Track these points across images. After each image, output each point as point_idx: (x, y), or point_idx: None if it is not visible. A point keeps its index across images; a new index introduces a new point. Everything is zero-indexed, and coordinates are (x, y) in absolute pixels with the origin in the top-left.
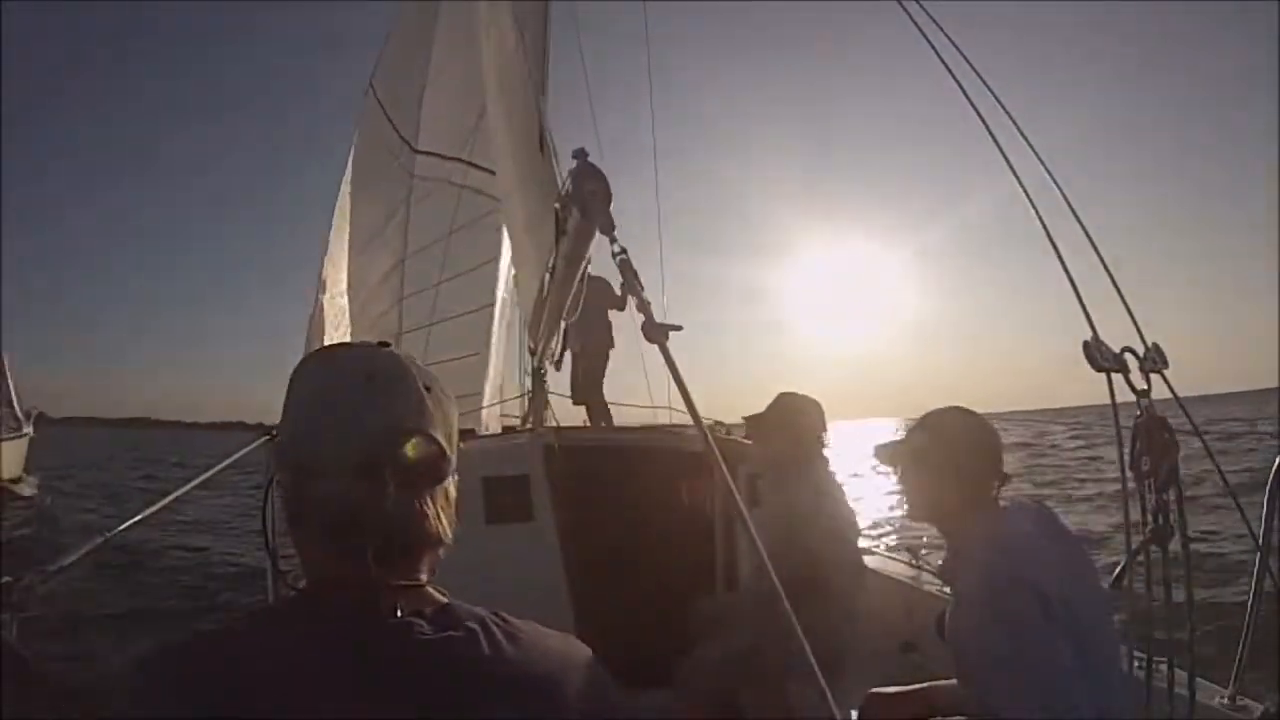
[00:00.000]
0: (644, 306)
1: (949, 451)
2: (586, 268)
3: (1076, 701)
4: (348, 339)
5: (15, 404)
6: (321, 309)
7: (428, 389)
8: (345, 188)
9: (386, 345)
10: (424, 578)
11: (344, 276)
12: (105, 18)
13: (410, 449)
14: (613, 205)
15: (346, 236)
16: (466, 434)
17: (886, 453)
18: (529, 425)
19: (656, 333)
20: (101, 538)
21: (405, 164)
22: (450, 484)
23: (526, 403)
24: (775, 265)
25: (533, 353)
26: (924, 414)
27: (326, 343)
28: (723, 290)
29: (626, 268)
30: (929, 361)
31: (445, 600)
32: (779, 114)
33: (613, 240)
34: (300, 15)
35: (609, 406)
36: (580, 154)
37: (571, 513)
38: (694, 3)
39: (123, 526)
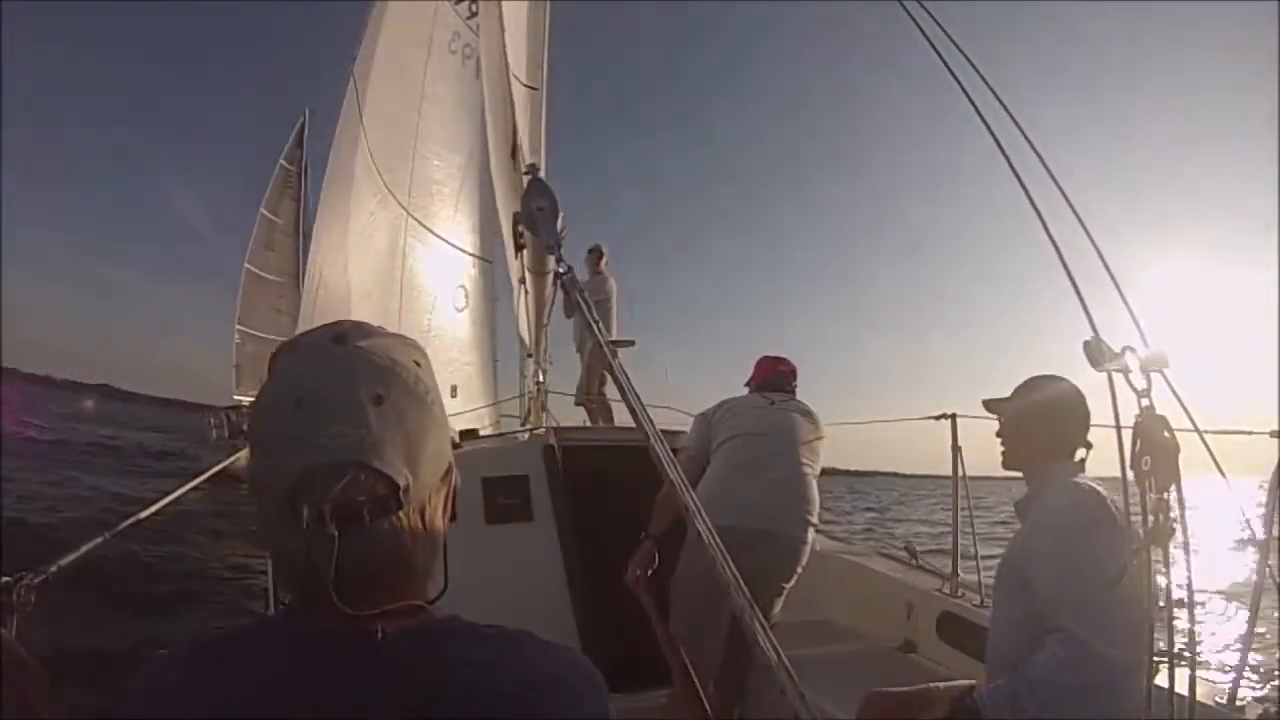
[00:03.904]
0: (592, 325)
1: (1027, 411)
2: (556, 275)
3: (1118, 636)
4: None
5: None
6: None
7: (379, 399)
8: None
9: (343, 332)
10: (419, 597)
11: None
12: None
13: (344, 489)
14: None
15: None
16: (468, 434)
17: (991, 405)
18: (529, 425)
19: (599, 354)
20: (101, 538)
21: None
22: (429, 498)
23: (527, 403)
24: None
25: (530, 355)
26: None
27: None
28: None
29: (572, 286)
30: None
31: (435, 618)
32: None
33: (558, 260)
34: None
35: (609, 404)
36: (531, 169)
37: (571, 513)
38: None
39: (123, 525)
